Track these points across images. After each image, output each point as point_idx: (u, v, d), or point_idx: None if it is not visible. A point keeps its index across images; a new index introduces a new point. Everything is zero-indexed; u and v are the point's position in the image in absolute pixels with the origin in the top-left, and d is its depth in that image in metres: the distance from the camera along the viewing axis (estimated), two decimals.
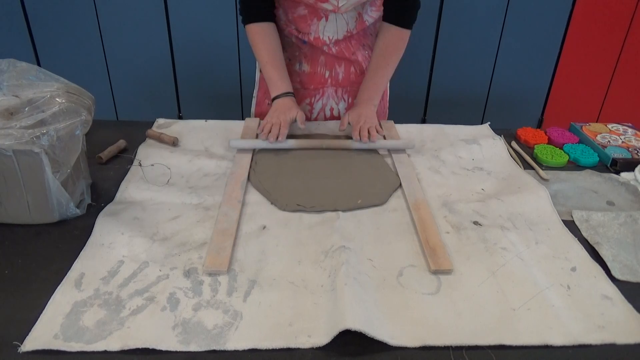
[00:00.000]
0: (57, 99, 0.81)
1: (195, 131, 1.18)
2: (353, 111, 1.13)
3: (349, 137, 1.15)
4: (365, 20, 1.16)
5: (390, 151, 1.10)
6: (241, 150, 1.08)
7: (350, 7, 1.10)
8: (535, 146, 1.15)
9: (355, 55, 1.20)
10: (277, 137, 1.05)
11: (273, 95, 1.14)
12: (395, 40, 1.15)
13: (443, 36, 2.28)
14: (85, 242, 0.79)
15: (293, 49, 1.20)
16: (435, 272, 0.76)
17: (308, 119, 1.28)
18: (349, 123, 1.14)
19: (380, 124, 1.17)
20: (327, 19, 1.13)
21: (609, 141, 1.16)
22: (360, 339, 0.62)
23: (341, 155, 1.07)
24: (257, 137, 1.12)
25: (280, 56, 1.15)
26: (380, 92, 1.17)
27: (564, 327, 0.67)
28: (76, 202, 0.86)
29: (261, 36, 1.13)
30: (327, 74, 1.22)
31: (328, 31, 1.15)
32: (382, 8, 1.17)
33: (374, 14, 1.17)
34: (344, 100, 1.27)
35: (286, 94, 1.13)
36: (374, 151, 1.09)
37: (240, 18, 1.16)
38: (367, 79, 1.17)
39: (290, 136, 1.09)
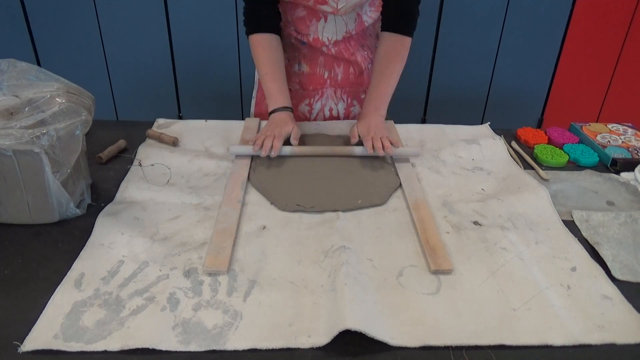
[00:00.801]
0: (57, 99, 0.81)
1: (195, 131, 1.18)
2: (361, 123, 1.08)
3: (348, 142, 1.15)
4: (364, 21, 1.16)
5: None
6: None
7: (349, 9, 1.10)
8: (535, 146, 1.15)
9: (354, 55, 1.20)
10: (271, 151, 1.00)
11: (270, 108, 1.10)
12: (397, 47, 1.11)
13: (443, 36, 2.28)
14: (85, 242, 0.79)
15: (292, 50, 1.20)
16: (435, 272, 0.76)
17: (307, 119, 1.28)
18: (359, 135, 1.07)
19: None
20: (326, 20, 1.13)
21: (609, 141, 1.16)
22: (360, 339, 0.62)
23: (342, 155, 1.07)
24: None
25: (282, 70, 1.12)
26: (386, 101, 1.11)
27: (564, 327, 0.67)
28: (76, 202, 0.86)
29: (264, 47, 1.11)
30: (326, 75, 1.22)
31: (327, 32, 1.15)
32: (381, 8, 1.16)
33: (373, 14, 1.17)
34: (343, 101, 1.27)
35: (284, 109, 1.09)
36: None
37: (244, 30, 1.13)
38: (371, 89, 1.12)
39: (289, 142, 1.07)
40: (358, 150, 1.06)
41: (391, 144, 1.04)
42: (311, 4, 1.08)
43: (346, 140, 1.12)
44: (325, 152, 1.06)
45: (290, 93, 1.24)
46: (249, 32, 1.12)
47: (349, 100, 1.27)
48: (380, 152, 1.00)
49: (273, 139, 1.02)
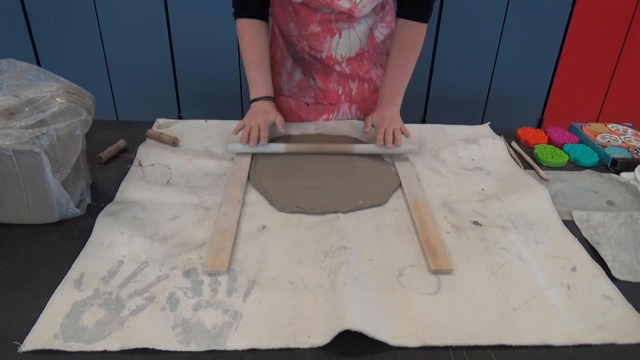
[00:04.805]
0: (57, 99, 0.81)
1: (195, 131, 1.18)
2: (376, 113, 1.11)
3: (350, 138, 1.15)
4: (376, 37, 1.16)
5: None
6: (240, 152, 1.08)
7: (367, 5, 1.07)
8: (535, 146, 1.15)
9: (369, 73, 1.20)
10: (258, 141, 1.03)
11: (252, 97, 1.11)
12: (412, 36, 1.11)
13: (443, 36, 2.28)
14: (85, 242, 0.79)
15: (306, 64, 1.19)
16: (436, 272, 0.76)
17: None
18: (372, 125, 1.11)
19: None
20: (340, 36, 1.11)
21: (609, 141, 1.16)
22: (360, 339, 0.62)
23: (342, 155, 1.07)
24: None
25: (266, 59, 1.13)
26: (402, 92, 1.14)
27: (564, 327, 0.67)
28: (76, 202, 0.86)
29: (250, 34, 1.11)
30: (340, 90, 1.21)
31: (341, 49, 1.14)
32: (391, 24, 1.16)
33: (384, 30, 1.17)
34: (358, 117, 1.26)
35: (266, 98, 1.10)
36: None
37: (232, 11, 1.13)
38: (387, 80, 1.14)
39: (288, 139, 1.07)
40: (357, 148, 1.06)
41: (403, 134, 1.06)
42: (329, 0, 1.05)
43: (346, 140, 1.12)
44: (324, 149, 1.06)
45: (307, 107, 1.23)
46: (237, 15, 1.12)
47: (362, 118, 1.26)
48: (389, 146, 1.04)
49: (258, 129, 1.03)
